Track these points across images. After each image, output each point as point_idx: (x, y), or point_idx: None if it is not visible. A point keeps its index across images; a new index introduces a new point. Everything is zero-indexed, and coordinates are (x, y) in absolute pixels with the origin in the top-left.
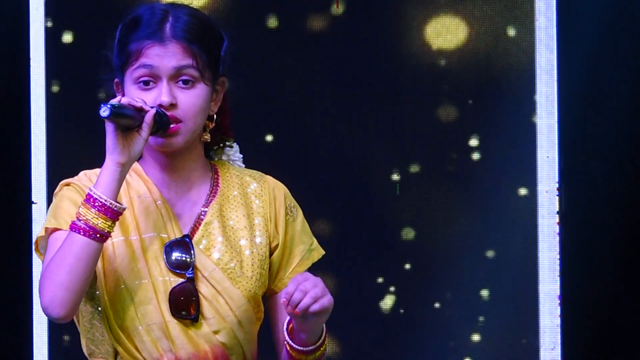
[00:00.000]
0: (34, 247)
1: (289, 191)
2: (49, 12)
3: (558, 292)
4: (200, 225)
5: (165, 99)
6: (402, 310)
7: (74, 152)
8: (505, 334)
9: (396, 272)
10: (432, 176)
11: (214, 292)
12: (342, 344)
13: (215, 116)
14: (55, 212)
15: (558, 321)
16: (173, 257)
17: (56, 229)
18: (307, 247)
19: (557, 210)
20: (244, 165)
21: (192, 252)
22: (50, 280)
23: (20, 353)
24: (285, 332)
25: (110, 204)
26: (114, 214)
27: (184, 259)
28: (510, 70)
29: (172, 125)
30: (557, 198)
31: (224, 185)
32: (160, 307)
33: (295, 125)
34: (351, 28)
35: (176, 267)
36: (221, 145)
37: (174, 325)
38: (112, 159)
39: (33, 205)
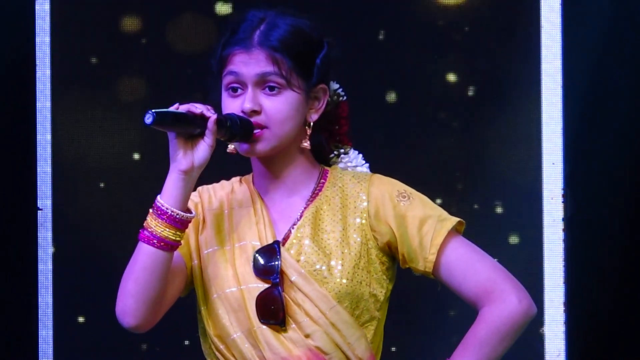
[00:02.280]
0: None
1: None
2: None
3: (563, 298)
4: (293, 230)
5: (247, 105)
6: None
7: (80, 159)
8: None
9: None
10: (439, 183)
11: (302, 295)
12: None
13: (312, 124)
14: None
15: (563, 328)
16: (260, 263)
17: None
18: (435, 220)
19: (562, 216)
20: (367, 168)
21: (278, 257)
22: (121, 290)
23: None
24: None
25: (172, 212)
26: (177, 222)
27: (270, 264)
28: (515, 76)
29: (255, 132)
30: (562, 204)
31: (327, 189)
32: (250, 314)
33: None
34: None
35: (263, 273)
36: (336, 152)
37: (264, 331)
38: (174, 167)
39: (39, 211)
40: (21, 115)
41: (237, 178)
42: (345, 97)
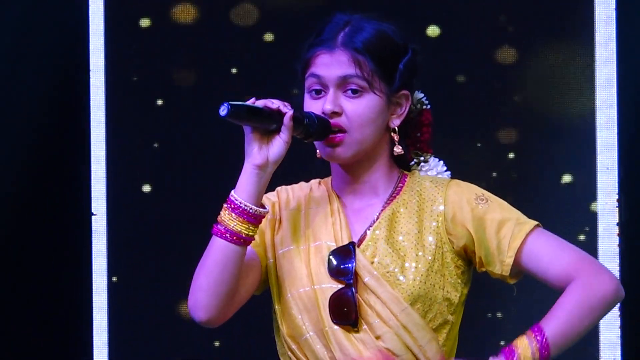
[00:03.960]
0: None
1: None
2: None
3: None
4: (369, 232)
5: (328, 106)
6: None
7: (133, 163)
8: None
9: None
10: (494, 187)
11: (374, 297)
12: None
13: (397, 129)
14: None
15: (618, 332)
16: (334, 264)
17: None
18: (513, 224)
19: (617, 221)
20: (449, 175)
21: (353, 258)
22: (193, 284)
23: None
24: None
25: (246, 206)
26: (252, 217)
27: (345, 265)
28: (570, 82)
29: (337, 136)
30: (616, 209)
31: (404, 193)
32: (322, 314)
33: None
34: None
35: (337, 274)
36: (416, 160)
37: (335, 331)
38: (249, 161)
39: (93, 216)
40: (75, 121)
41: (317, 180)
42: (429, 106)
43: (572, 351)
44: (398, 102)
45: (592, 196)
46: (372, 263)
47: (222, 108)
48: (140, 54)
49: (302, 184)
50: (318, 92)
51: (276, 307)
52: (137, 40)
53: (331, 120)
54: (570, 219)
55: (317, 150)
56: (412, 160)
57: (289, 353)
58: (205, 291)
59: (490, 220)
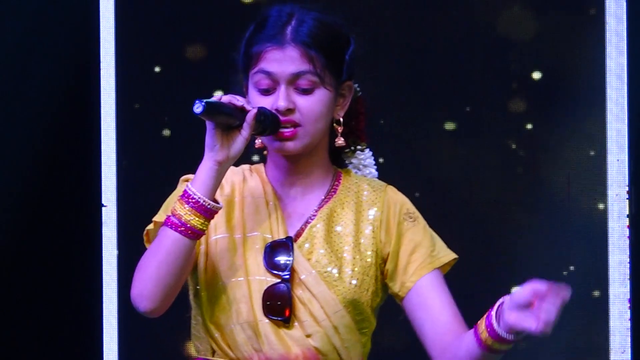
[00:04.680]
0: (144, 239)
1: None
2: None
3: (628, 295)
4: (306, 228)
5: (282, 103)
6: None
7: (144, 155)
8: (575, 336)
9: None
10: (501, 180)
11: (310, 295)
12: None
13: (341, 120)
14: (166, 207)
15: (628, 324)
16: (272, 258)
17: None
18: (427, 252)
19: (627, 213)
20: (376, 170)
21: (291, 253)
22: (141, 273)
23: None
24: (494, 316)
25: (204, 201)
26: (207, 212)
27: (282, 260)
28: (580, 74)
29: (287, 130)
30: (627, 201)
31: (341, 192)
32: (253, 306)
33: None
34: None
35: (273, 268)
36: (352, 148)
37: (265, 325)
38: (210, 156)
39: (103, 208)
40: (86, 112)
41: (247, 166)
42: (360, 93)
43: (582, 343)
44: (343, 94)
45: (602, 189)
46: (310, 260)
47: (196, 105)
48: (151, 44)
49: (233, 168)
50: (267, 87)
51: (203, 293)
52: (148, 30)
53: (284, 117)
54: (580, 214)
55: (258, 141)
56: (348, 148)
57: (210, 340)
58: (154, 281)
59: (409, 240)
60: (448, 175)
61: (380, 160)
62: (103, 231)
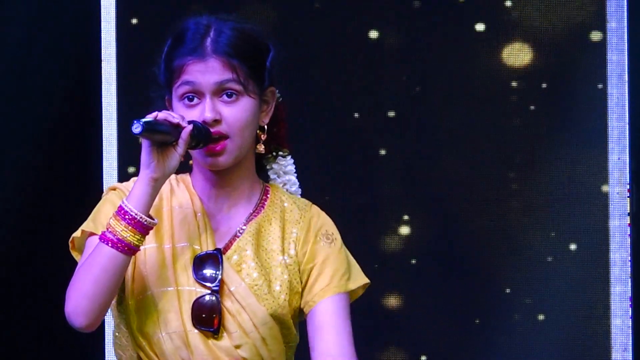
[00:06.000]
0: (70, 246)
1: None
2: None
3: (629, 293)
4: (235, 241)
5: (209, 115)
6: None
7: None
8: (576, 335)
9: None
10: (501, 178)
11: (239, 307)
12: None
13: (266, 128)
14: (95, 216)
15: (629, 322)
16: (201, 269)
17: (93, 234)
18: (337, 275)
19: (628, 211)
20: (296, 178)
21: (220, 265)
22: (75, 290)
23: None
24: None
25: (141, 217)
26: (143, 228)
27: (211, 271)
28: (581, 73)
29: (218, 144)
30: (628, 199)
31: (269, 208)
32: (182, 317)
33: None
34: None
35: (203, 279)
36: (274, 154)
37: (194, 335)
38: (146, 173)
39: None
40: (87, 100)
41: (172, 176)
42: (281, 99)
43: (583, 341)
44: (266, 100)
45: (604, 186)
46: (239, 272)
47: (135, 125)
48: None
49: None
50: (191, 99)
51: (130, 302)
52: (149, 31)
53: (213, 129)
54: (581, 209)
55: (190, 161)
56: (270, 154)
57: (136, 349)
58: (90, 298)
59: (323, 259)
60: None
61: (382, 152)
62: None
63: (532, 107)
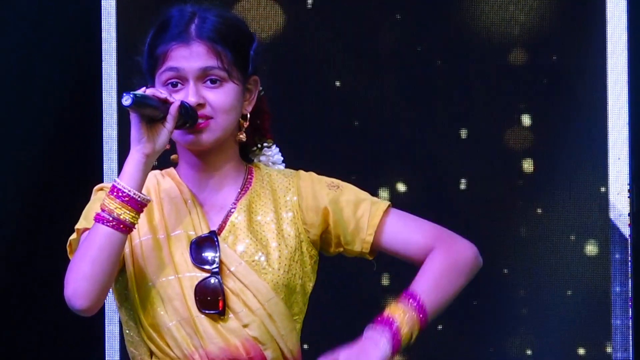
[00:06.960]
0: (67, 250)
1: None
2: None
3: (630, 293)
4: (227, 221)
5: (192, 99)
6: (475, 302)
7: None
8: (577, 335)
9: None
10: (502, 179)
11: (241, 286)
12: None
13: (248, 116)
14: (86, 214)
15: (630, 322)
16: (199, 253)
17: (87, 229)
18: (369, 203)
19: (629, 211)
20: (284, 167)
21: (217, 247)
22: (74, 272)
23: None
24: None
25: (134, 194)
26: (137, 204)
27: (209, 254)
28: (581, 71)
29: (201, 122)
30: (628, 199)
31: (256, 184)
32: (187, 303)
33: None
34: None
35: (201, 263)
36: (259, 146)
37: (202, 320)
38: (137, 149)
39: None
40: (88, 99)
41: (157, 171)
42: (263, 92)
43: (583, 342)
44: (249, 88)
45: (604, 186)
46: (236, 251)
47: (125, 98)
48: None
49: None
50: (175, 85)
51: (134, 295)
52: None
53: (197, 112)
54: (581, 209)
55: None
56: (255, 146)
57: (149, 342)
58: (89, 279)
59: (346, 202)
60: (450, 172)
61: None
62: None
63: (532, 107)
